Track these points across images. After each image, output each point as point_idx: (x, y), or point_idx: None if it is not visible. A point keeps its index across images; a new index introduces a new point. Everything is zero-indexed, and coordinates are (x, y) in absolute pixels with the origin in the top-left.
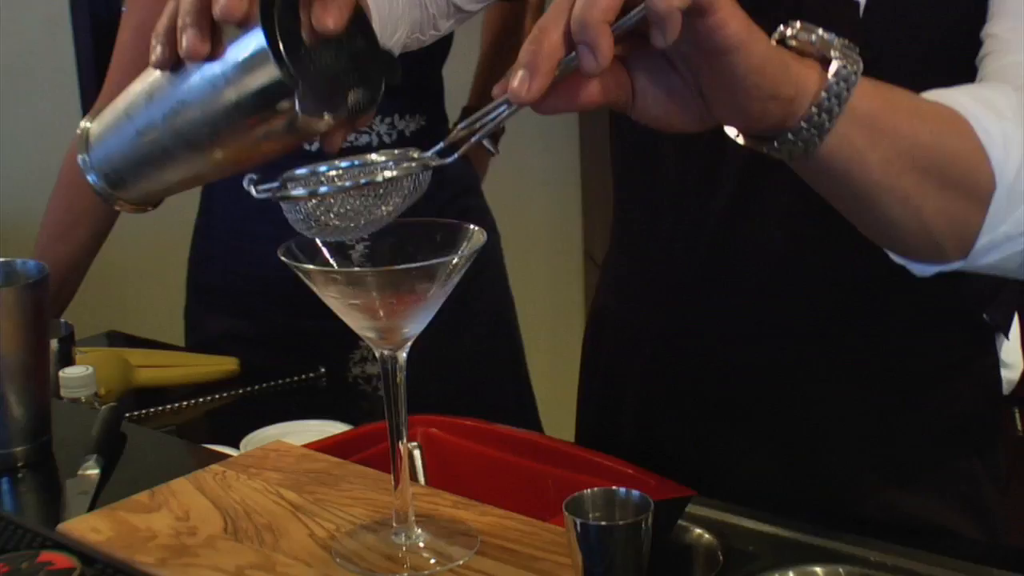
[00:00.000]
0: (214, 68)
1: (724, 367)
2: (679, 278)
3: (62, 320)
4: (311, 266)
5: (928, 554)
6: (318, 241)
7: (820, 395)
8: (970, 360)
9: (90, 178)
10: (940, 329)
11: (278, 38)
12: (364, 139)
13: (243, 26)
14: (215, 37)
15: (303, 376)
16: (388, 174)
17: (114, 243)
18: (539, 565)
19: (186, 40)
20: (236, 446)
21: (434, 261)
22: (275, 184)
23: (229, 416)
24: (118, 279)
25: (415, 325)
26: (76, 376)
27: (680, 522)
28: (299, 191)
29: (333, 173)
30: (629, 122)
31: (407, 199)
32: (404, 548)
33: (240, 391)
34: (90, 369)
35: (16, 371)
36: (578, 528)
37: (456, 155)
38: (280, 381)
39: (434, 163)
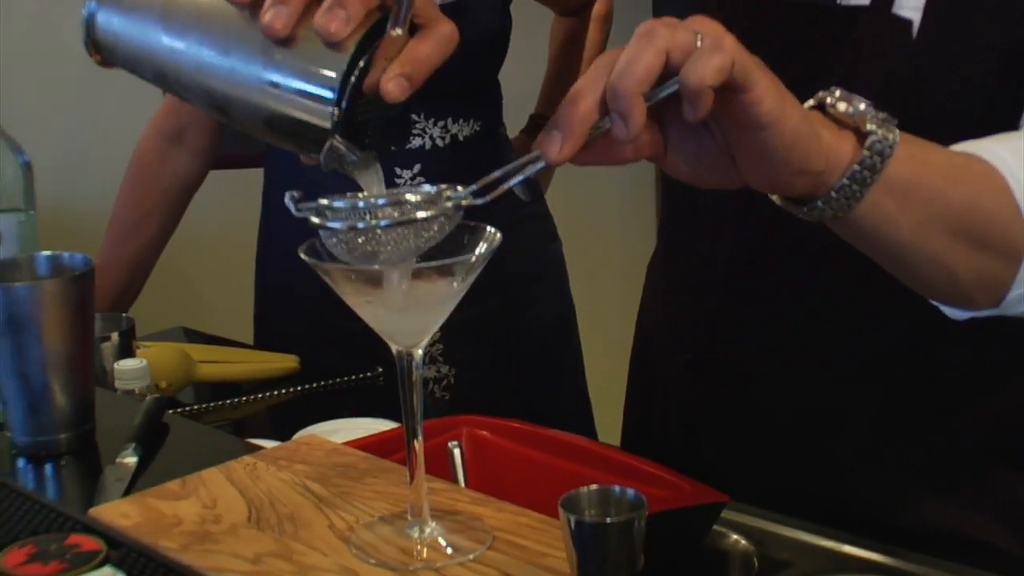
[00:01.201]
0: (272, 55)
1: (763, 378)
2: (720, 292)
3: (124, 314)
4: (329, 264)
5: (967, 568)
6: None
7: (860, 407)
8: (1013, 373)
9: (86, 10)
10: (983, 342)
11: (347, 91)
12: (417, 141)
13: (329, 45)
14: (300, 23)
15: (361, 375)
16: (422, 214)
17: (189, 242)
18: (547, 561)
19: (272, 14)
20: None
21: (450, 260)
22: (314, 206)
23: (286, 413)
24: (194, 277)
25: (430, 323)
26: (130, 368)
27: (716, 527)
28: (337, 224)
29: (370, 209)
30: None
31: (438, 234)
32: (418, 541)
33: (299, 388)
34: (144, 362)
35: (61, 361)
36: (572, 525)
37: (488, 197)
38: (338, 379)
39: (466, 203)
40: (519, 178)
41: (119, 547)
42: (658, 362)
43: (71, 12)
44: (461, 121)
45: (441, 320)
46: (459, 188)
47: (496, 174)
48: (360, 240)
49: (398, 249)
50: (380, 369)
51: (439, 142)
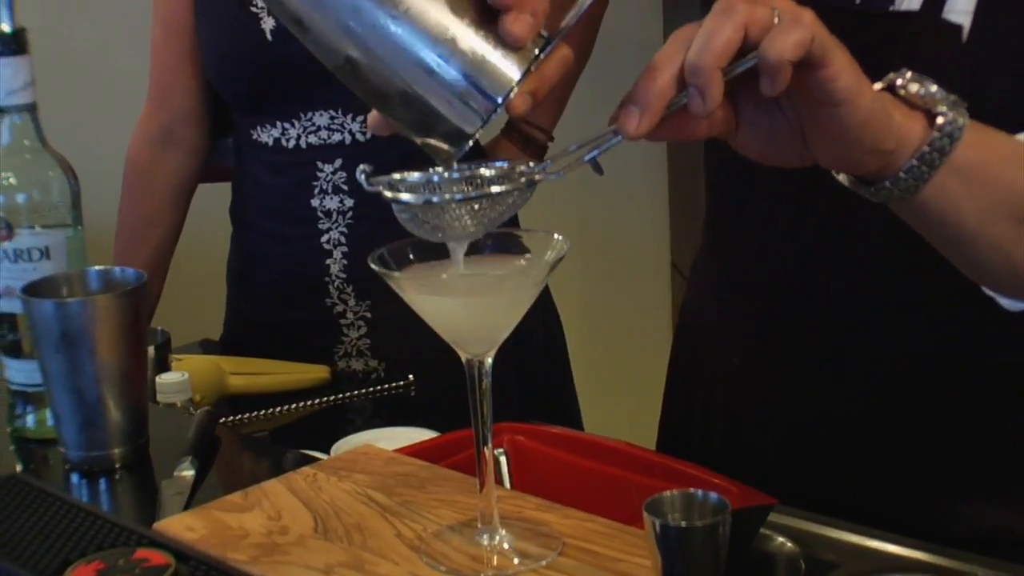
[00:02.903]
0: (449, 37)
1: (810, 381)
2: (769, 294)
3: (158, 328)
4: (397, 273)
5: (1018, 566)
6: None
7: (909, 409)
8: None
9: None
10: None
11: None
12: (336, 137)
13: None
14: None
15: (393, 385)
16: (496, 189)
17: (205, 252)
18: (620, 567)
19: (516, 22)
20: (327, 452)
21: (519, 271)
22: (386, 179)
23: (320, 423)
24: (213, 287)
25: (501, 331)
26: (172, 382)
27: (762, 530)
28: (410, 196)
29: (444, 183)
30: (723, 145)
31: (510, 210)
32: (488, 549)
33: (331, 399)
34: (186, 375)
35: (115, 375)
36: (657, 529)
37: (562, 173)
38: (370, 389)
39: (539, 178)
40: (594, 153)
41: (187, 561)
42: (703, 364)
43: (123, 30)
44: None
45: (510, 328)
46: (531, 164)
47: (572, 149)
48: (432, 214)
49: (472, 224)
50: (411, 377)
51: (359, 137)
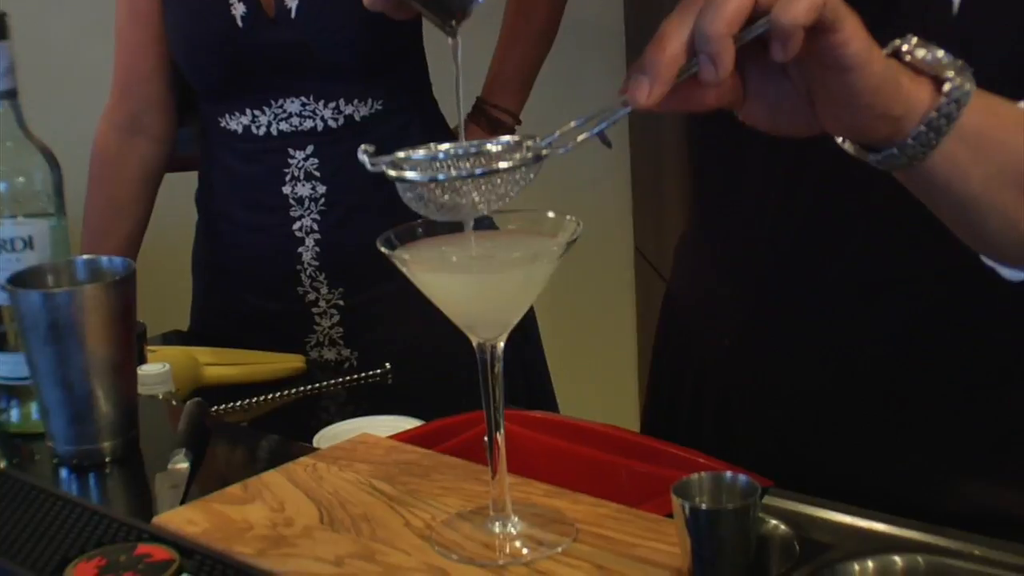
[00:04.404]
0: None
1: (804, 361)
2: (761, 275)
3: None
4: (407, 255)
5: (1009, 543)
6: (418, 228)
7: (901, 388)
8: None
9: None
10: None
11: None
12: (308, 123)
13: None
14: None
15: (370, 373)
16: (503, 164)
17: (170, 242)
18: (637, 552)
19: None
20: (308, 441)
21: (531, 251)
22: (389, 159)
23: (298, 413)
24: (179, 277)
25: (513, 313)
26: (154, 373)
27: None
28: (414, 175)
29: (449, 160)
30: (712, 126)
31: (517, 185)
32: (501, 536)
33: (308, 388)
34: (167, 366)
35: (104, 367)
36: (687, 512)
37: (569, 147)
38: (346, 379)
39: (546, 152)
40: (603, 124)
41: (191, 555)
42: (692, 346)
43: (102, 17)
44: (356, 101)
45: (522, 310)
46: (538, 138)
47: (578, 123)
48: (439, 192)
49: (478, 200)
50: (388, 366)
51: (331, 123)
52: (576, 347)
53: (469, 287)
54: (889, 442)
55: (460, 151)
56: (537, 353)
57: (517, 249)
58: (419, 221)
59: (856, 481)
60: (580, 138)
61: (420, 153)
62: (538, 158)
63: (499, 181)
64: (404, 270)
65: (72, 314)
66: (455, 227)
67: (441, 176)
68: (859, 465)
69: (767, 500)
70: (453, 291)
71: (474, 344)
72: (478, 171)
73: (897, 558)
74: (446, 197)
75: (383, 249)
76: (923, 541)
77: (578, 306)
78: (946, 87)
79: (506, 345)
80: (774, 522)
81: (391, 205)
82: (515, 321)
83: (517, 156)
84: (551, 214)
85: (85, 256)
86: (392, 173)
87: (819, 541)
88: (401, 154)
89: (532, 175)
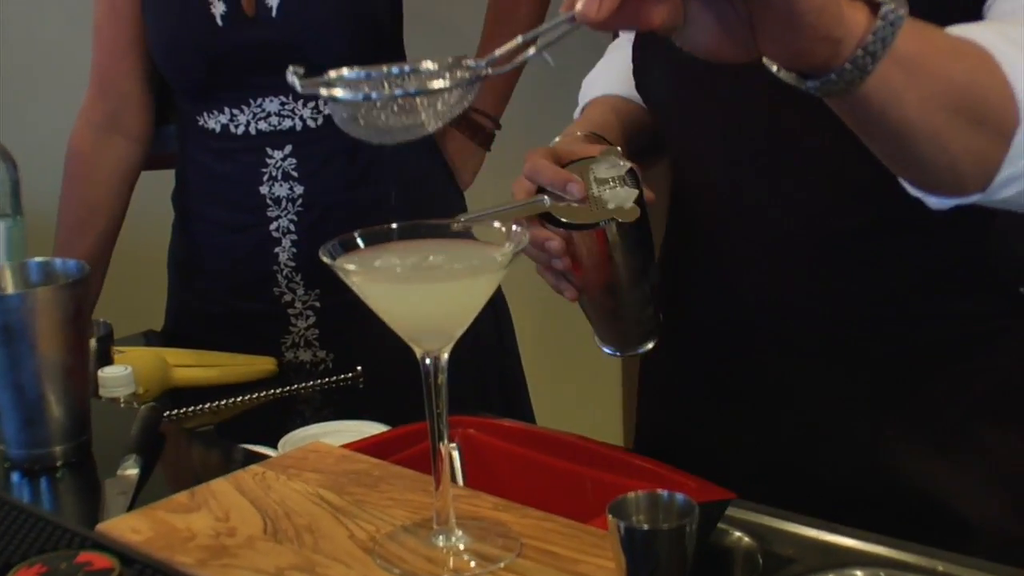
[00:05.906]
0: None
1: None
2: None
3: (100, 320)
4: (349, 265)
5: (969, 558)
6: (358, 238)
7: (851, 383)
8: (1007, 330)
9: None
10: (977, 299)
11: None
12: (287, 123)
13: None
14: None
15: (341, 377)
16: (439, 84)
17: (146, 241)
18: (580, 568)
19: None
20: (274, 446)
21: (473, 262)
22: (322, 80)
23: (267, 416)
24: (155, 276)
25: (457, 324)
26: (115, 376)
27: (720, 525)
28: (346, 94)
29: (384, 79)
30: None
31: (455, 107)
32: (445, 550)
33: (278, 391)
34: (129, 369)
35: (56, 370)
36: (622, 531)
37: (509, 67)
38: (318, 381)
39: (484, 73)
40: (547, 41)
41: (132, 564)
42: (664, 362)
43: (57, 17)
44: None
45: (467, 321)
46: (477, 60)
47: (518, 40)
48: (373, 113)
49: (410, 122)
50: (359, 369)
51: (310, 123)
52: (560, 356)
53: (410, 298)
54: (847, 436)
55: (395, 71)
56: (515, 362)
57: (462, 260)
58: (360, 231)
59: (813, 479)
60: (521, 57)
61: (352, 72)
62: (477, 78)
63: (435, 101)
64: (346, 280)
65: (23, 317)
66: (404, 234)
67: (374, 95)
68: (812, 461)
69: (730, 512)
70: (396, 300)
71: (418, 355)
72: (412, 90)
73: (859, 572)
74: (378, 119)
75: (324, 259)
76: (886, 556)
77: (561, 315)
78: (882, 10)
79: (483, 355)
80: (738, 534)
81: (369, 207)
82: (459, 332)
83: (458, 75)
84: (498, 224)
85: (38, 258)
86: (324, 92)
87: (782, 555)
88: (333, 73)
89: (471, 96)
